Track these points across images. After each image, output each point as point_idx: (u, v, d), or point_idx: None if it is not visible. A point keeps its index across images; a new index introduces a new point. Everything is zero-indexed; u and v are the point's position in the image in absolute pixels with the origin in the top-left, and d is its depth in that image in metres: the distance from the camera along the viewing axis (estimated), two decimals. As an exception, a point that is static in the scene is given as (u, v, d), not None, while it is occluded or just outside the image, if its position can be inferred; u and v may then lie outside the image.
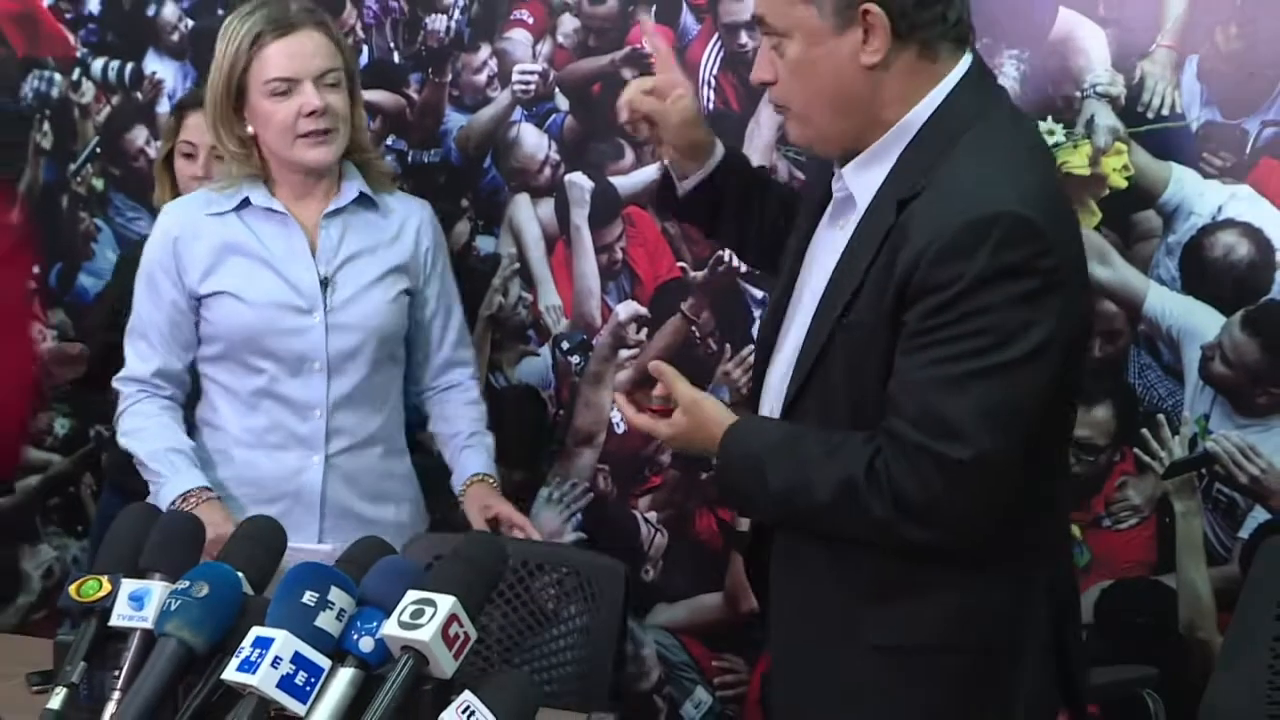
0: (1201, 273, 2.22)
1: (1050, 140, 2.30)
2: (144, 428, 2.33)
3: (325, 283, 2.27)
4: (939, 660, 1.63)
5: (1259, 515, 2.21)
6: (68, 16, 3.24)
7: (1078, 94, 2.29)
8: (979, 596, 1.62)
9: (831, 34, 1.57)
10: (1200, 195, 2.21)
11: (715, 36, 2.59)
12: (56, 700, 1.51)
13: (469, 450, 2.37)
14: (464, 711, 1.34)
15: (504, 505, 2.32)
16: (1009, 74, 2.33)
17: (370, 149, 2.37)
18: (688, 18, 2.61)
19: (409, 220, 2.34)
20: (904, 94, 1.60)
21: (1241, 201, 2.19)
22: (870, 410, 1.61)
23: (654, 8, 2.64)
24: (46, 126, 3.28)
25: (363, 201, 2.30)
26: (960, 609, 1.62)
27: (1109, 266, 2.29)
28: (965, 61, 1.63)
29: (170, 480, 2.25)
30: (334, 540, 2.14)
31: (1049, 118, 2.31)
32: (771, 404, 1.76)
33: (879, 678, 1.65)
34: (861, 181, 1.65)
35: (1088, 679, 1.81)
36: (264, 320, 2.27)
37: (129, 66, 3.18)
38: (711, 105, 2.60)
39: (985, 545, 1.58)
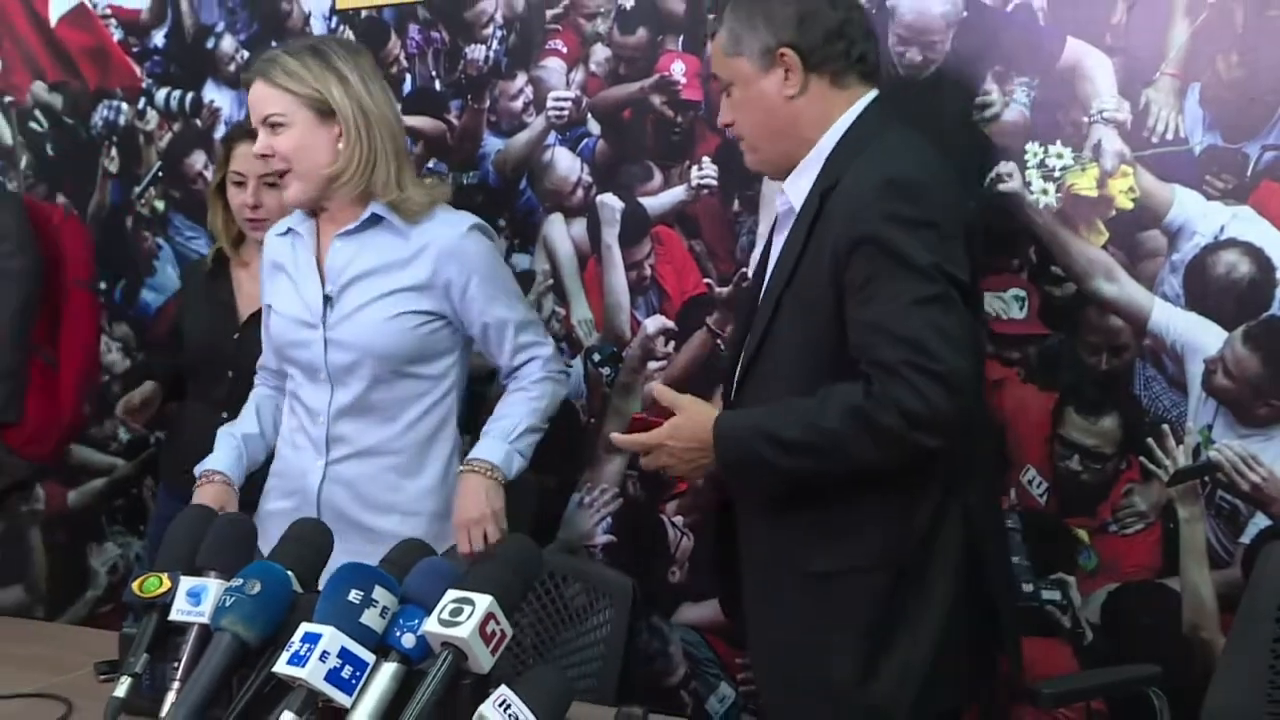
0: (1204, 290, 2.20)
1: (1059, 163, 2.30)
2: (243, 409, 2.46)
3: (328, 300, 2.27)
4: (865, 580, 1.86)
5: (1260, 521, 2.18)
6: (134, 50, 3.28)
7: (1085, 119, 2.28)
8: (901, 524, 1.86)
9: (760, 75, 1.92)
10: (1203, 216, 2.19)
11: (740, 65, 2.59)
12: (122, 689, 1.54)
13: (484, 435, 2.32)
14: (501, 705, 1.35)
15: (463, 512, 2.22)
16: (1020, 100, 2.32)
17: (394, 188, 2.23)
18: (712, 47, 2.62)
19: (432, 244, 2.24)
20: (821, 117, 1.93)
21: (1243, 222, 2.17)
22: (816, 368, 1.88)
23: (680, 38, 2.64)
24: (114, 152, 3.33)
25: (379, 223, 2.25)
26: (884, 535, 1.86)
27: (1116, 283, 2.28)
28: (872, 93, 1.95)
29: (207, 458, 2.33)
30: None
31: (1058, 142, 2.30)
32: (734, 383, 2.03)
33: (816, 599, 1.90)
34: (796, 190, 1.95)
35: (1012, 601, 2.10)
36: (284, 331, 2.31)
37: (189, 96, 3.22)
38: (736, 130, 2.60)
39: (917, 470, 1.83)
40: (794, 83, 1.91)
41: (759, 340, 1.96)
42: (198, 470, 2.32)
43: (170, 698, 1.49)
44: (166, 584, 1.60)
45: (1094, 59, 2.26)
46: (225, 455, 2.33)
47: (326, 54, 2.23)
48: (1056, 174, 2.31)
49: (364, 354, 2.24)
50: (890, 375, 1.76)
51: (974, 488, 1.94)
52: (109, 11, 3.31)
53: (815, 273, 1.87)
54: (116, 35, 3.30)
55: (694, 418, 1.92)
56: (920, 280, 1.78)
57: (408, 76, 2.95)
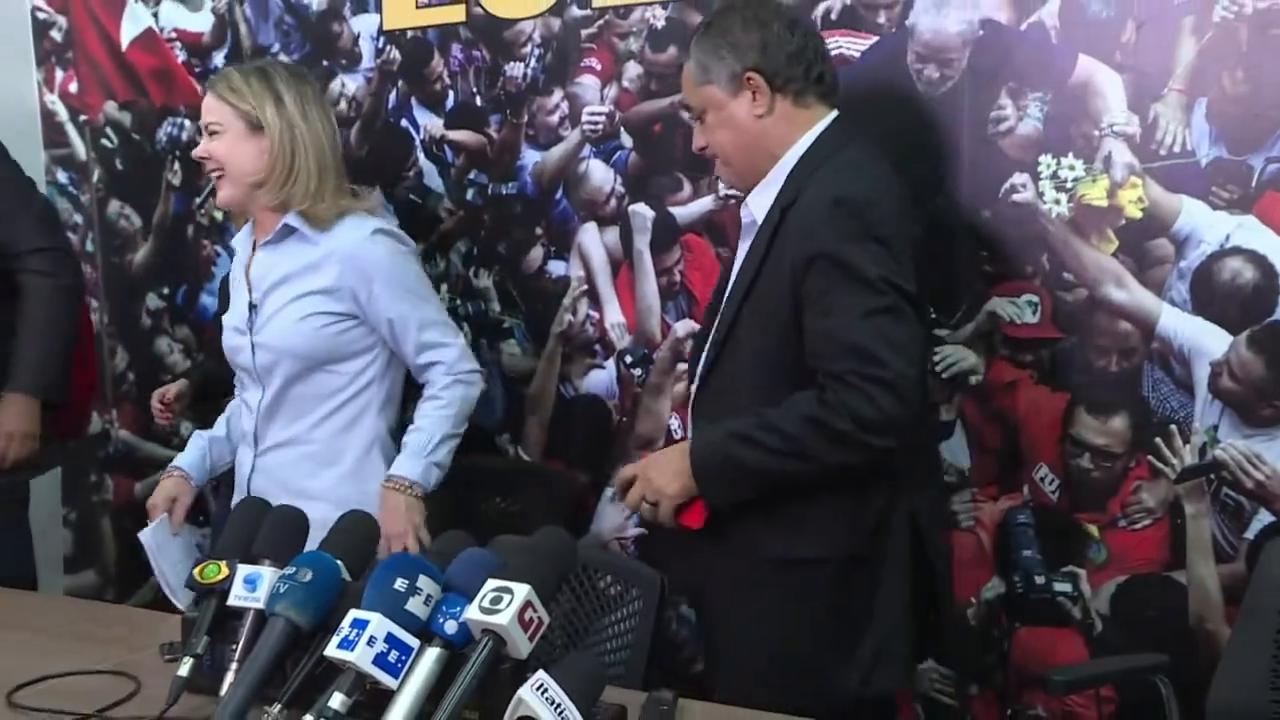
0: (1210, 296, 2.19)
1: (1071, 175, 2.29)
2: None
3: (253, 307, 2.36)
4: (819, 569, 1.94)
5: (1264, 517, 2.17)
6: (197, 70, 3.31)
7: (1096, 133, 2.27)
8: (852, 518, 1.94)
9: (730, 99, 2.01)
10: (1209, 225, 2.18)
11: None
12: (185, 668, 1.56)
13: (402, 449, 2.34)
14: (539, 689, 1.35)
15: (385, 527, 2.16)
16: (1033, 115, 2.31)
17: (308, 199, 2.30)
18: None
19: (337, 249, 2.29)
20: (786, 134, 2.02)
21: (1247, 231, 2.15)
22: (775, 373, 1.96)
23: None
24: (176, 166, 3.37)
25: (293, 232, 2.32)
26: (836, 529, 1.94)
27: (1125, 289, 2.27)
28: (833, 113, 2.04)
29: (178, 456, 2.50)
30: None
31: (1070, 154, 2.29)
32: (696, 381, 2.11)
33: (771, 585, 1.97)
34: (759, 204, 2.03)
35: (950, 594, 2.18)
36: (227, 339, 2.45)
37: (245, 111, 3.24)
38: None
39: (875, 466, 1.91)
40: (762, 103, 2.00)
41: (720, 346, 2.04)
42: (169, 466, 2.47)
43: (229, 678, 1.51)
44: (225, 571, 1.62)
45: (1104, 75, 2.25)
46: (190, 454, 2.48)
47: (270, 76, 2.34)
48: (1068, 185, 2.30)
49: (281, 354, 2.32)
50: (842, 384, 1.84)
51: (922, 492, 2.04)
52: (174, 35, 3.35)
53: (775, 283, 1.95)
54: (180, 56, 3.34)
55: (666, 452, 2.03)
56: (870, 293, 1.86)
57: (450, 93, 2.96)
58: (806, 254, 1.89)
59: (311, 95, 2.37)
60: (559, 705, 1.34)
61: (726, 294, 2.07)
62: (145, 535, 2.38)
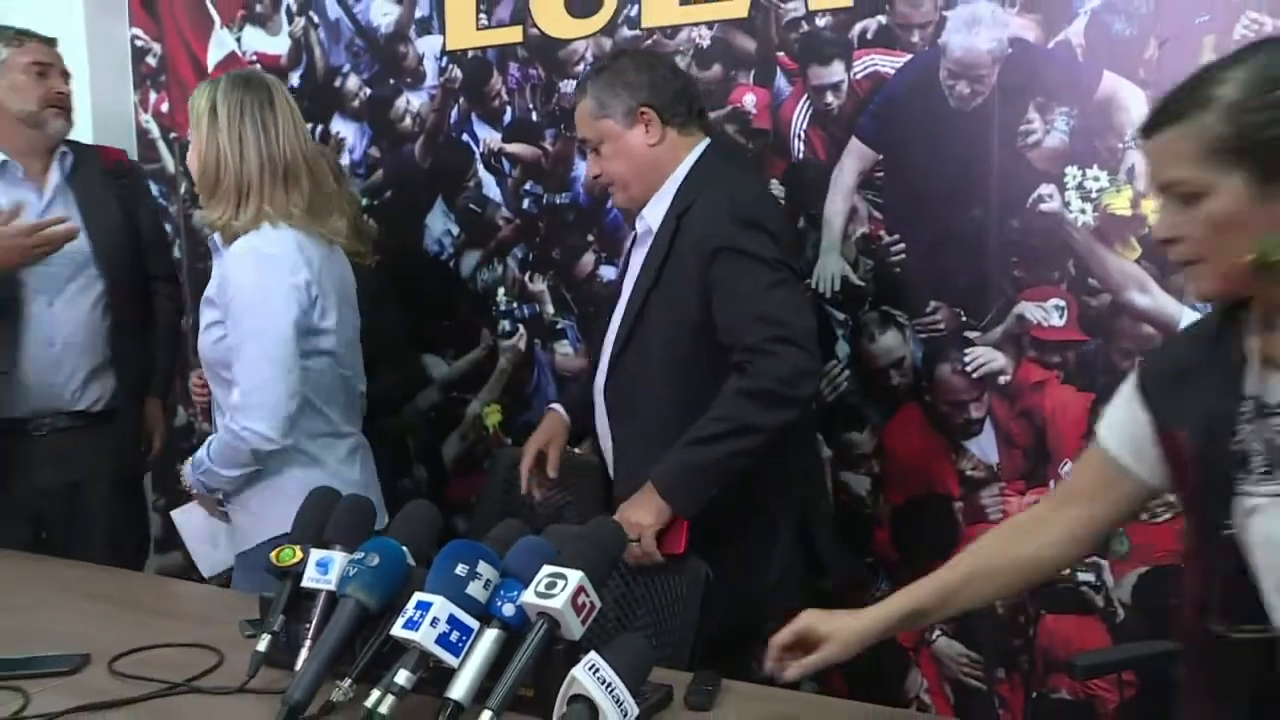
0: (1229, 300, 2.16)
1: (1095, 185, 2.27)
2: None
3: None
4: (729, 528, 2.08)
5: None
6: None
7: (1120, 145, 2.24)
8: (753, 490, 2.08)
9: (625, 131, 2.19)
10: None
11: (805, 96, 2.58)
12: (263, 644, 1.58)
13: None
14: (591, 668, 1.35)
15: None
16: (1060, 128, 2.29)
17: (220, 214, 2.14)
18: (781, 80, 2.60)
19: (223, 266, 2.13)
20: (675, 158, 2.20)
21: None
22: (683, 349, 2.12)
23: (751, 74, 2.64)
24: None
25: (218, 249, 2.18)
26: (744, 495, 2.06)
27: (1148, 294, 2.24)
28: (706, 140, 2.24)
29: None
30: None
31: (1095, 166, 2.27)
32: (605, 363, 2.24)
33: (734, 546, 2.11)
34: (654, 214, 2.19)
35: (834, 560, 2.29)
36: None
37: (319, 128, 3.27)
38: (801, 155, 2.59)
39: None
40: (654, 134, 2.18)
41: (629, 330, 2.20)
42: None
43: (303, 654, 1.52)
44: (299, 555, 1.63)
45: (1128, 91, 2.23)
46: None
47: (215, 87, 2.17)
48: (1094, 195, 2.28)
49: (202, 362, 2.25)
50: (756, 352, 2.01)
51: (808, 484, 2.27)
52: (254, 57, 3.39)
53: (679, 276, 2.12)
54: (258, 75, 3.38)
55: (635, 496, 2.05)
56: (767, 270, 2.05)
57: (508, 109, 2.97)
58: (710, 249, 2.07)
59: (251, 106, 2.15)
60: (610, 684, 1.35)
61: (630, 288, 2.22)
62: (177, 514, 2.45)
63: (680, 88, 2.22)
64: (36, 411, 2.79)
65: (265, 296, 2.08)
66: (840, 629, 1.47)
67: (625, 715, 1.35)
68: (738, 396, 2.01)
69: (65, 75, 2.87)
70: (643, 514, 2.00)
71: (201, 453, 2.19)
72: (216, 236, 2.18)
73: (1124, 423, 1.43)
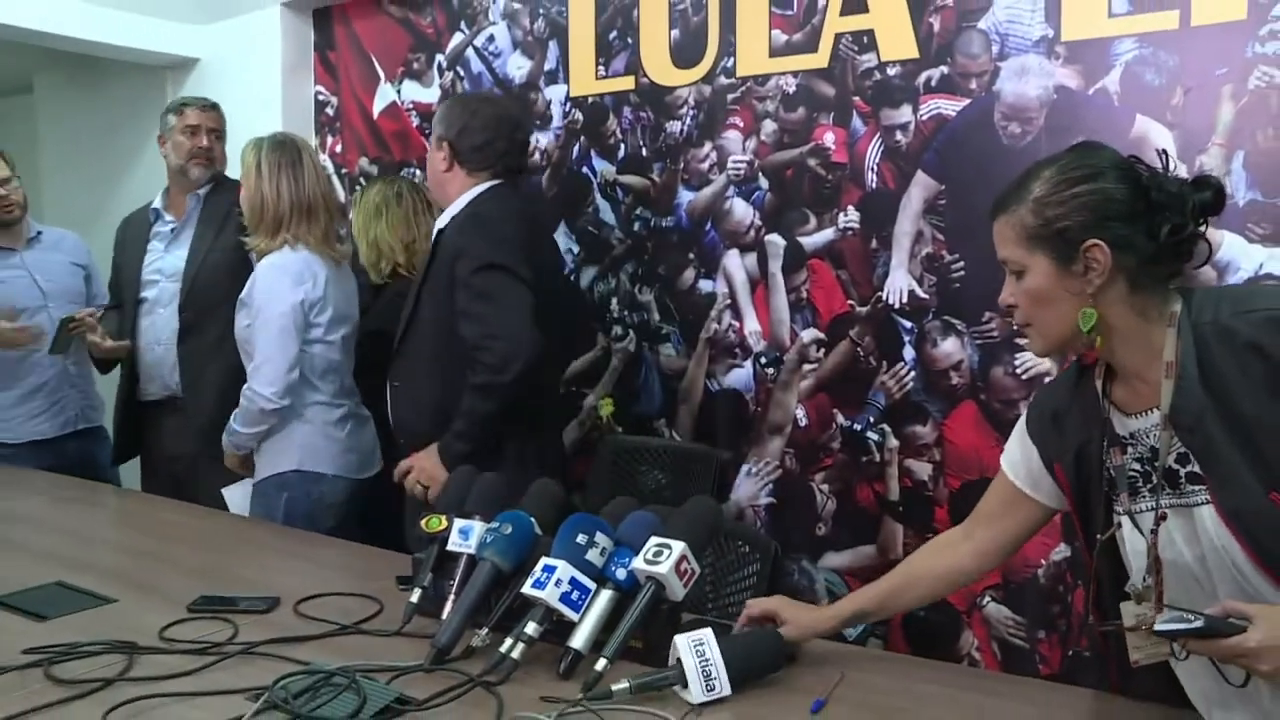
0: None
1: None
2: None
3: None
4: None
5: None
6: (425, 132, 3.40)
7: (1153, 177, 2.17)
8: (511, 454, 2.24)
9: (435, 150, 2.37)
10: (1245, 255, 2.07)
11: (877, 135, 2.54)
12: (415, 596, 1.61)
13: None
14: (696, 644, 1.33)
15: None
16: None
17: (257, 237, 2.56)
18: (857, 121, 2.57)
19: (253, 274, 2.57)
20: (461, 187, 2.34)
21: (1277, 261, 2.05)
22: (445, 339, 2.21)
23: (831, 115, 2.61)
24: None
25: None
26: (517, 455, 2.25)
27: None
28: (497, 181, 2.34)
29: None
30: None
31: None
32: (396, 345, 2.36)
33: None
34: (441, 221, 2.32)
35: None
36: None
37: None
38: (874, 185, 2.55)
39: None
40: (445, 162, 2.35)
41: (408, 321, 2.33)
42: None
43: (448, 606, 1.54)
44: (444, 523, 1.65)
45: (1158, 132, 2.15)
46: None
47: (263, 149, 2.55)
48: (1135, 219, 2.20)
49: (238, 344, 2.58)
50: (474, 348, 2.14)
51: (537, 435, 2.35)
52: (410, 106, 3.46)
53: (440, 274, 2.24)
54: (415, 122, 3.45)
55: (428, 450, 2.24)
56: (484, 273, 2.16)
57: (621, 145, 2.98)
58: (453, 252, 2.21)
59: (285, 163, 2.53)
60: (707, 659, 1.33)
61: (418, 288, 2.35)
62: (225, 490, 2.64)
63: (482, 142, 2.33)
64: (149, 394, 3.04)
65: (276, 296, 2.45)
66: (797, 618, 1.52)
67: (712, 690, 1.32)
68: (468, 393, 2.17)
69: (212, 132, 3.04)
70: (435, 467, 2.21)
71: (231, 423, 2.52)
72: (253, 255, 2.55)
73: (1019, 459, 1.46)
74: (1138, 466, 1.29)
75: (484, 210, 2.27)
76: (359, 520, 2.59)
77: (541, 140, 3.14)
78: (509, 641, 1.40)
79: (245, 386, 2.46)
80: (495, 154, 2.33)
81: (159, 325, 3.00)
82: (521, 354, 2.12)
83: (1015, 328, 1.36)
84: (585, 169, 3.06)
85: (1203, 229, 1.26)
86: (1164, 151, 1.30)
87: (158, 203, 3.09)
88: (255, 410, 2.45)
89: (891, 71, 2.51)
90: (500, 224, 2.25)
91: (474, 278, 2.16)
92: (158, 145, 3.09)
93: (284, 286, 2.45)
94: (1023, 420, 1.46)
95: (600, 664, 1.35)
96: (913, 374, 2.53)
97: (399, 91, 3.48)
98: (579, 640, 1.39)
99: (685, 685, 1.32)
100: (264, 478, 2.51)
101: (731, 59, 2.75)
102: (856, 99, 2.56)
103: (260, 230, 2.52)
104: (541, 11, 3.12)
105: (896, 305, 2.54)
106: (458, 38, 3.32)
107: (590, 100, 3.03)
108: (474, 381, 2.15)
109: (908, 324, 2.53)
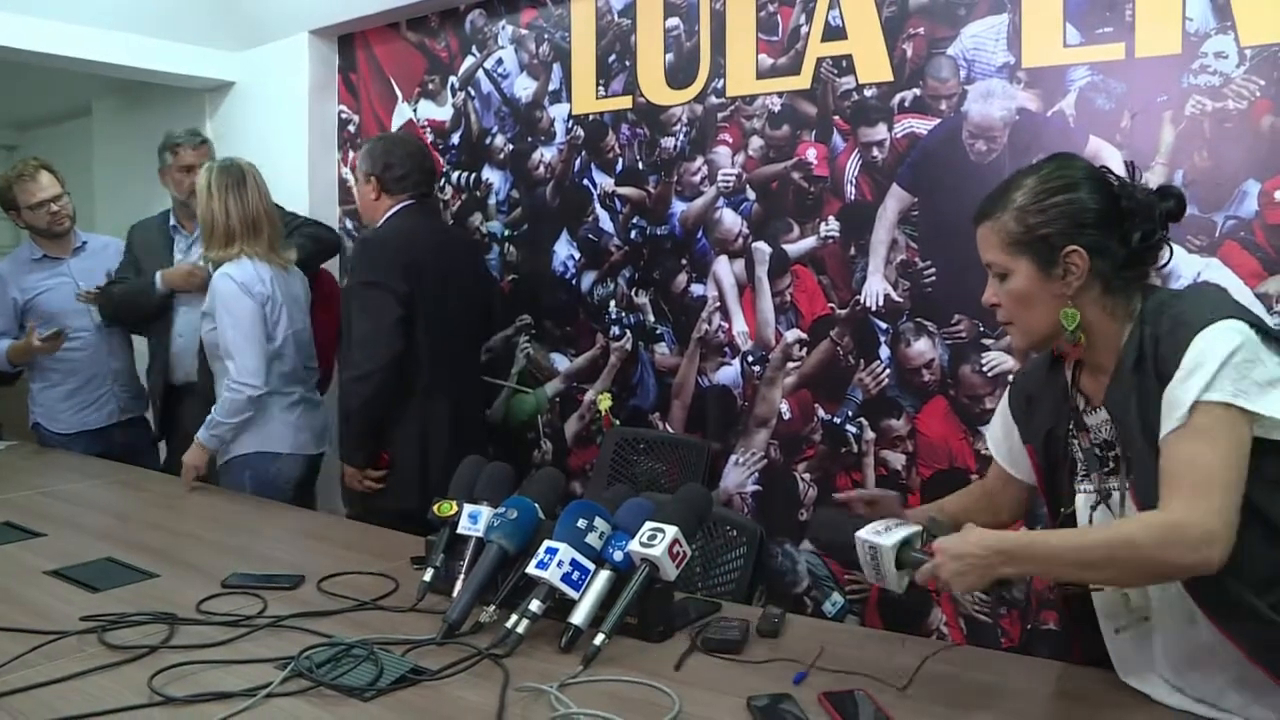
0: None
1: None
2: None
3: None
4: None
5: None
6: (439, 146, 3.40)
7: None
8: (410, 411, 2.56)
9: (364, 183, 2.69)
10: (1186, 264, 2.08)
11: (855, 151, 2.54)
12: (428, 575, 1.61)
13: None
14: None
15: (187, 458, 2.61)
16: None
17: (209, 249, 2.69)
18: (837, 138, 2.57)
19: (211, 283, 2.68)
20: (385, 210, 2.64)
21: (1213, 270, 2.06)
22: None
23: (813, 133, 2.61)
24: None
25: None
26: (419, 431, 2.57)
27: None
28: (411, 201, 2.66)
29: None
30: None
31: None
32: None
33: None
34: None
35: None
36: None
37: (472, 176, 3.32)
38: (852, 197, 2.55)
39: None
40: (374, 192, 2.67)
41: (347, 325, 2.57)
42: None
43: (458, 585, 1.55)
44: (454, 508, 1.66)
45: (1109, 151, 2.16)
46: None
47: (212, 174, 2.64)
48: (1092, 230, 2.21)
49: (205, 348, 2.72)
50: (346, 351, 2.51)
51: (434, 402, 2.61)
52: (425, 123, 3.45)
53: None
54: (430, 137, 3.44)
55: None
56: (361, 290, 2.49)
57: (619, 159, 2.98)
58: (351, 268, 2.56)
59: (232, 185, 2.63)
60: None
61: None
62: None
63: (403, 173, 2.65)
64: (176, 379, 3.16)
65: (241, 298, 2.57)
66: (889, 505, 1.48)
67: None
68: (352, 400, 2.52)
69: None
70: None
71: (210, 417, 2.59)
72: (210, 266, 2.68)
73: (1001, 438, 1.46)
74: (1097, 453, 1.30)
75: (375, 234, 2.60)
76: (309, 491, 2.79)
77: (545, 155, 3.14)
78: (514, 617, 1.40)
79: (227, 381, 2.56)
80: (411, 182, 2.67)
81: (184, 319, 3.12)
82: (377, 358, 2.44)
83: (999, 324, 1.36)
84: (586, 181, 3.06)
85: (1166, 234, 1.26)
86: (1131, 163, 1.30)
87: (173, 220, 3.26)
88: (242, 399, 2.56)
89: (868, 93, 2.51)
90: (380, 247, 2.55)
91: (352, 291, 2.50)
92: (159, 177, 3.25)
93: (246, 290, 2.59)
94: (1005, 400, 1.46)
95: (598, 639, 1.35)
96: (888, 371, 2.54)
97: (415, 110, 3.48)
98: (579, 617, 1.39)
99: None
100: (230, 458, 2.63)
101: (722, 80, 2.75)
102: (836, 118, 2.56)
103: (214, 243, 2.64)
104: (546, 36, 3.12)
105: (873, 308, 2.54)
106: (469, 61, 3.32)
107: (591, 118, 3.03)
108: (346, 389, 2.53)
109: (883, 325, 2.53)
